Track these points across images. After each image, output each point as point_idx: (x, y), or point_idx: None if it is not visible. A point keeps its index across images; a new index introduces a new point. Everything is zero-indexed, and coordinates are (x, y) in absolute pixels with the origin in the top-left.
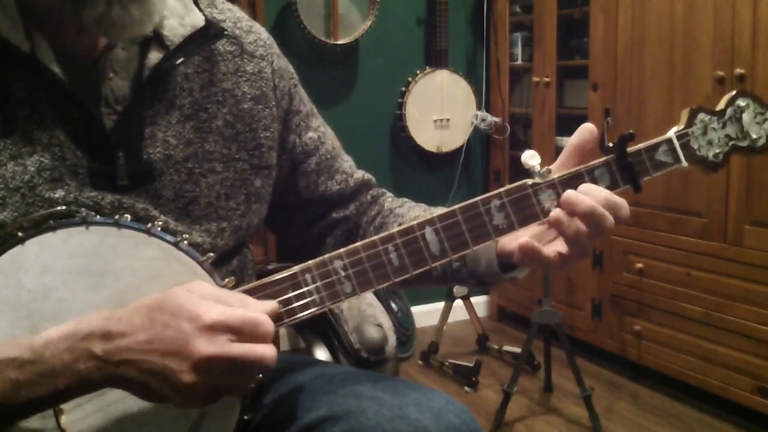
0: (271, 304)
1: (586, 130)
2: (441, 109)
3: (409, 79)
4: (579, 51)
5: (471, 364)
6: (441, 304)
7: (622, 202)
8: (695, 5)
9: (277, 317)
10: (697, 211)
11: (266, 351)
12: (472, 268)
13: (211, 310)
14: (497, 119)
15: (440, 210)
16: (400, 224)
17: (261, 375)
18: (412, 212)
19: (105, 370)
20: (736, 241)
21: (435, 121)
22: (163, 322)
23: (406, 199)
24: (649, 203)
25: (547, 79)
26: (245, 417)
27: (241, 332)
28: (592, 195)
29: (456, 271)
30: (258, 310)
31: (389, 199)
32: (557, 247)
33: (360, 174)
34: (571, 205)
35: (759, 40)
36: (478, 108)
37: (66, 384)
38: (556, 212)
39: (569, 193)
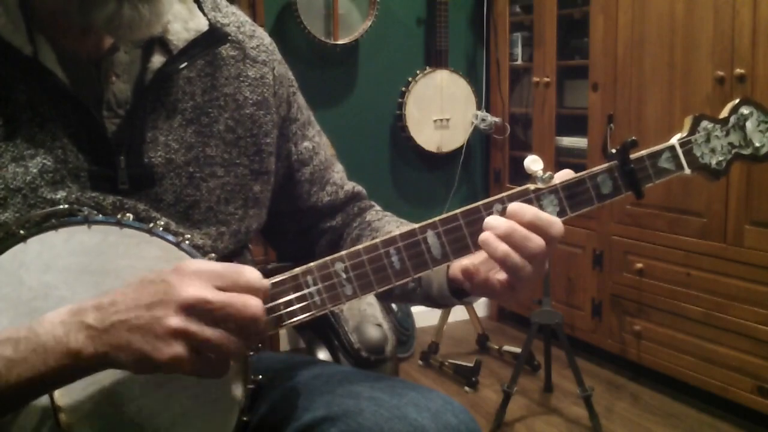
0: (264, 281)
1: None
2: (441, 109)
3: (409, 79)
4: (579, 51)
5: (471, 364)
6: None
7: (552, 220)
8: (695, 5)
9: (278, 319)
10: (697, 211)
11: (252, 300)
12: (426, 290)
13: (197, 262)
14: (497, 119)
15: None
16: (373, 238)
17: (254, 376)
18: (387, 227)
19: (96, 340)
20: (736, 241)
21: (435, 121)
22: (149, 280)
23: (387, 214)
24: (649, 203)
25: (547, 79)
26: (244, 418)
27: (226, 279)
28: (517, 216)
29: (411, 291)
30: (250, 270)
31: (372, 213)
32: (500, 275)
33: (350, 186)
34: (491, 229)
35: (759, 40)
36: (478, 108)
37: (57, 361)
38: (483, 235)
39: (488, 218)
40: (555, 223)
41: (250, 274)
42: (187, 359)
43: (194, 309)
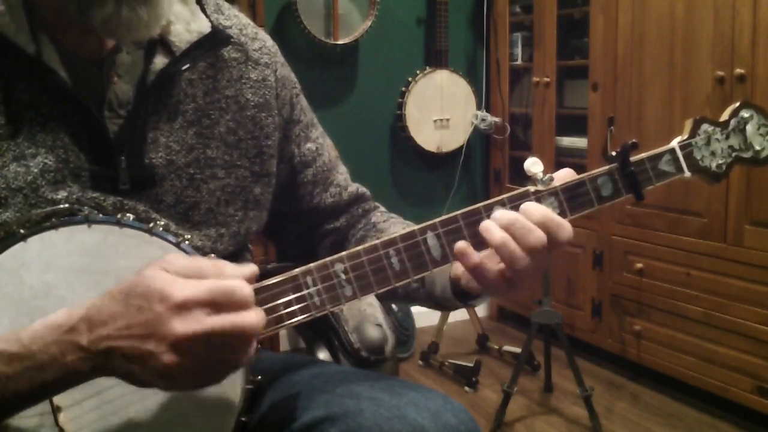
0: (249, 268)
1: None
2: (441, 109)
3: (409, 79)
4: (579, 51)
5: (471, 364)
6: None
7: (562, 223)
8: (695, 5)
9: (278, 319)
10: (697, 211)
11: (246, 318)
12: (429, 290)
13: (181, 287)
14: (497, 119)
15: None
16: (378, 239)
17: (253, 376)
18: (393, 228)
19: (92, 361)
20: (736, 241)
21: (435, 121)
22: (136, 305)
23: (393, 215)
24: (649, 203)
25: (547, 79)
26: (243, 419)
27: (215, 303)
28: (527, 213)
29: (415, 291)
30: (232, 276)
31: (377, 214)
32: (497, 264)
33: (354, 187)
34: (484, 235)
35: (759, 40)
36: (478, 108)
37: (54, 377)
38: (484, 222)
39: (483, 224)
40: (565, 226)
41: (238, 290)
42: (183, 383)
43: (188, 344)
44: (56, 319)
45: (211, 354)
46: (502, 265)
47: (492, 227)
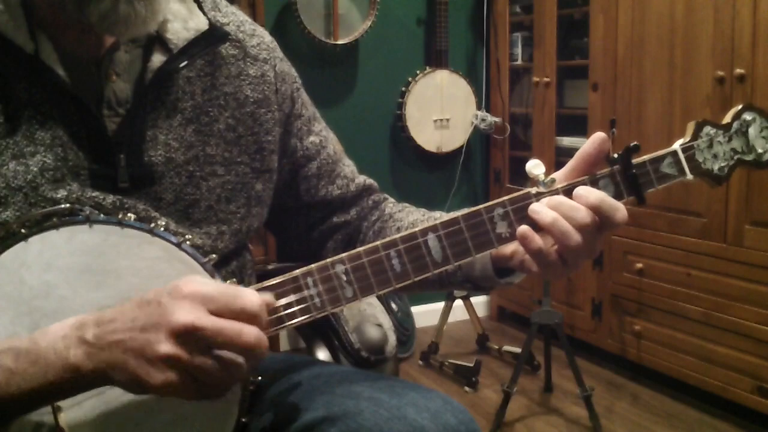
0: (267, 295)
1: (599, 138)
2: (441, 109)
3: (409, 79)
4: (579, 51)
5: (471, 364)
6: (441, 304)
7: (617, 205)
8: (695, 5)
9: (278, 320)
10: (697, 211)
11: (246, 329)
12: (467, 272)
13: (192, 281)
14: (497, 119)
15: (439, 214)
16: (398, 229)
17: (253, 377)
18: (410, 217)
19: (94, 357)
20: (736, 241)
21: (435, 121)
22: (147, 301)
23: (406, 204)
24: (649, 203)
25: (547, 79)
26: (243, 420)
27: (219, 303)
28: (581, 198)
29: (451, 275)
30: (249, 294)
31: (390, 204)
32: (553, 246)
33: (362, 179)
34: (534, 217)
35: (759, 40)
36: (478, 108)
37: (56, 375)
38: (533, 205)
39: (531, 207)
40: (619, 209)
41: (247, 298)
42: (179, 385)
43: (185, 335)
44: (71, 320)
45: (206, 358)
46: (556, 247)
47: (541, 209)
